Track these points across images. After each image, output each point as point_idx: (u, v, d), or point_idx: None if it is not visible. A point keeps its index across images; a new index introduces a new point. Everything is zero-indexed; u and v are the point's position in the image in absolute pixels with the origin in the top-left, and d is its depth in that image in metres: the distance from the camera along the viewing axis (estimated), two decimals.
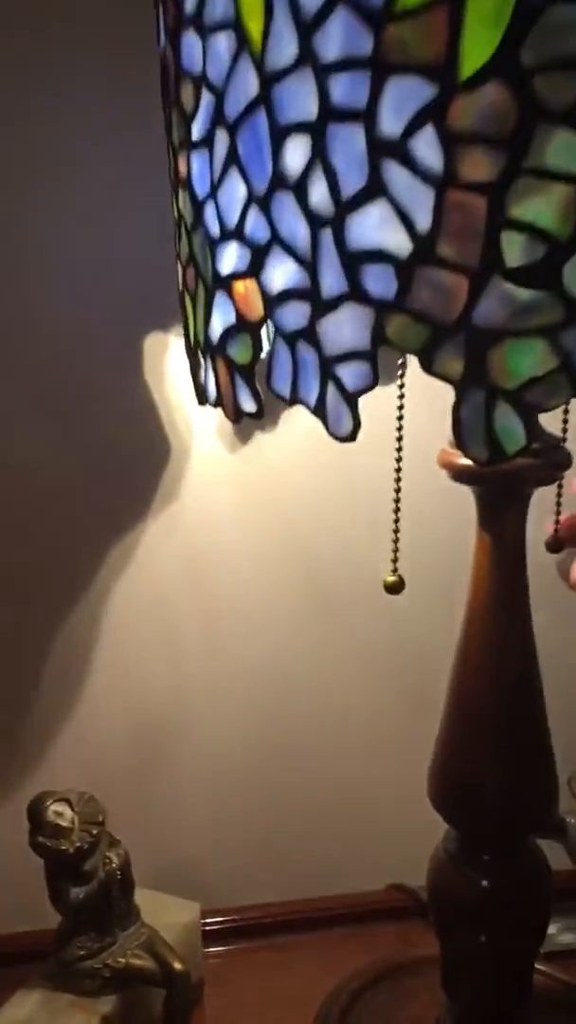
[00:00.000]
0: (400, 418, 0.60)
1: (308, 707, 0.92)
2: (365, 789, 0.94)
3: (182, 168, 0.53)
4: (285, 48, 0.44)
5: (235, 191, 0.49)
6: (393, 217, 0.44)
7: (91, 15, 0.75)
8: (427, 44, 0.41)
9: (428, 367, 0.46)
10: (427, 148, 0.43)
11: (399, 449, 0.61)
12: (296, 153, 0.46)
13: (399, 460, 0.61)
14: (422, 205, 0.43)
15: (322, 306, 0.47)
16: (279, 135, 0.46)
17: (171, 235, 0.61)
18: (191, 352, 0.59)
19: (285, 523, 0.87)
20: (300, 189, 0.46)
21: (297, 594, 0.89)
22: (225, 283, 0.51)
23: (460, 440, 0.47)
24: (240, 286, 0.50)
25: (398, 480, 0.61)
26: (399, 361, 0.58)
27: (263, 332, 0.52)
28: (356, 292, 0.46)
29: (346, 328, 0.47)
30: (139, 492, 0.85)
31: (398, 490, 0.62)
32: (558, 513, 0.67)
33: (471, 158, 0.42)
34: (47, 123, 0.77)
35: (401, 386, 0.60)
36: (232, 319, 0.52)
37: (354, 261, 0.46)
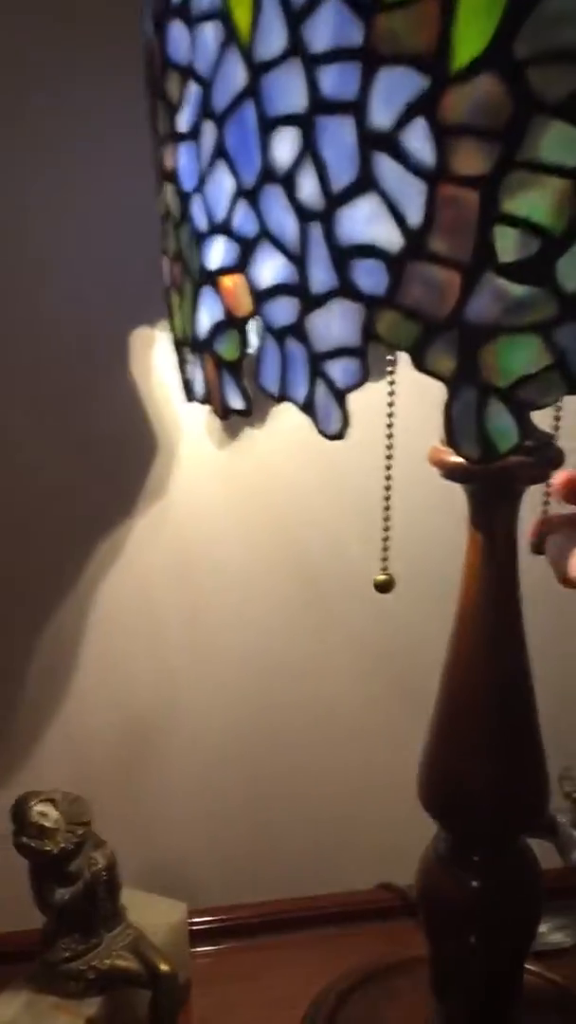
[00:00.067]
0: (390, 415, 0.59)
1: (298, 701, 0.91)
2: (355, 785, 0.94)
3: (168, 161, 0.52)
4: (274, 38, 0.43)
5: (223, 184, 0.48)
6: (384, 211, 0.43)
7: (91, 15, 0.75)
8: (418, 35, 0.41)
9: (419, 364, 0.45)
10: (419, 141, 0.42)
11: (389, 447, 0.60)
12: (285, 146, 0.45)
13: (389, 458, 0.60)
14: (413, 199, 0.43)
15: (311, 302, 0.46)
16: (268, 127, 0.45)
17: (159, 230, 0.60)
18: (178, 348, 0.58)
19: (274, 517, 0.87)
20: (289, 182, 0.45)
21: (287, 588, 0.88)
22: (212, 278, 0.50)
23: (451, 438, 0.46)
24: (228, 281, 0.50)
25: (388, 478, 0.61)
26: (389, 357, 0.57)
27: (251, 328, 0.51)
28: (346, 287, 0.45)
29: (336, 324, 0.46)
30: (127, 487, 0.84)
31: (388, 487, 0.61)
32: (544, 513, 0.66)
33: (464, 151, 0.41)
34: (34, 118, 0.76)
35: (391, 382, 0.59)
36: (220, 315, 0.51)
37: (344, 256, 0.45)
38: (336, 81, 0.43)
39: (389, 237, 0.43)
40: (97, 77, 0.76)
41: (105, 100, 0.76)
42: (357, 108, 0.42)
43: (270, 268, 0.47)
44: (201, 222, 0.50)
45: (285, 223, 0.46)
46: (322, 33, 0.42)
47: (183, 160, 0.51)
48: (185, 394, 0.58)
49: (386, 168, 0.43)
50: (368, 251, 0.44)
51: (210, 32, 0.46)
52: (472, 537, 0.63)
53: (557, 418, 0.64)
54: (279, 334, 0.48)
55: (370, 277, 0.44)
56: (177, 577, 0.87)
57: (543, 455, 0.59)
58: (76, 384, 0.82)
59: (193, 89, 0.48)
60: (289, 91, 0.44)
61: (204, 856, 0.93)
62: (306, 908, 0.90)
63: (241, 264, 0.49)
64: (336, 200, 0.44)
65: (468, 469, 0.59)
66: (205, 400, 0.55)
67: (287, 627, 0.90)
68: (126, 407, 0.82)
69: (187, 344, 0.55)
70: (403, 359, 0.47)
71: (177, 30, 0.49)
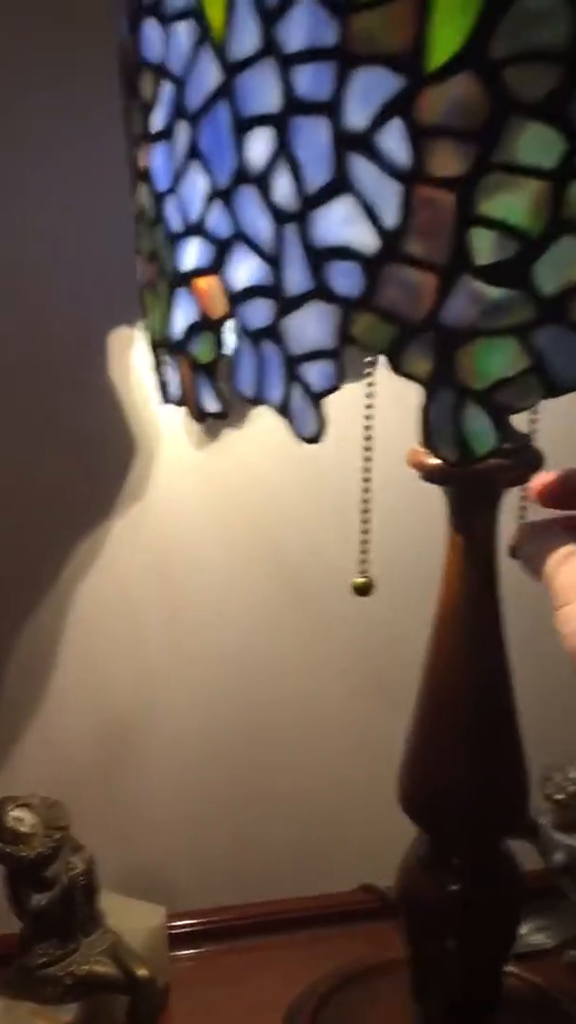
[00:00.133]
0: (368, 416, 0.59)
1: (278, 701, 0.91)
2: (336, 786, 0.93)
3: (142, 161, 0.52)
4: (247, 38, 0.43)
5: (197, 185, 0.47)
6: (360, 213, 0.43)
7: (91, 15, 0.74)
8: (394, 34, 0.40)
9: (396, 367, 0.45)
10: (394, 142, 0.41)
11: (367, 448, 0.59)
12: (259, 146, 0.44)
13: (368, 460, 0.60)
14: (389, 201, 0.42)
15: (287, 304, 0.46)
16: (242, 127, 0.45)
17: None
18: (154, 349, 0.57)
19: (253, 516, 0.86)
20: (264, 183, 0.45)
21: (266, 587, 0.88)
22: (187, 279, 0.50)
23: (428, 441, 0.46)
24: (202, 283, 0.49)
25: (366, 480, 0.60)
26: (367, 359, 0.57)
27: (228, 329, 0.50)
28: (321, 290, 0.45)
29: (311, 326, 0.45)
30: (106, 488, 0.84)
31: (366, 490, 0.61)
32: (522, 516, 0.66)
33: (440, 152, 0.41)
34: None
35: (370, 383, 0.59)
36: (194, 317, 0.50)
37: (319, 258, 0.44)
38: (311, 81, 0.42)
39: (365, 239, 0.43)
40: (97, 77, 0.75)
41: (105, 100, 0.75)
42: (332, 109, 0.42)
43: (245, 269, 0.47)
44: (175, 223, 0.50)
45: (260, 224, 0.45)
46: (296, 32, 0.42)
47: (157, 160, 0.50)
48: (161, 396, 0.58)
49: (362, 169, 0.42)
50: (344, 253, 0.44)
51: (184, 31, 0.46)
52: (451, 539, 0.63)
53: (534, 420, 0.63)
54: (254, 336, 0.48)
55: (346, 279, 0.44)
56: (156, 577, 0.86)
57: (521, 457, 0.59)
58: (54, 384, 0.81)
59: (167, 88, 0.48)
60: (263, 91, 0.43)
61: (184, 859, 0.92)
62: (287, 910, 0.90)
63: (216, 265, 0.48)
64: (311, 201, 0.44)
65: (446, 471, 0.58)
66: (181, 402, 0.55)
67: (267, 627, 0.89)
68: (105, 408, 0.82)
69: (163, 345, 0.55)
70: (382, 360, 0.46)
71: (151, 28, 0.48)
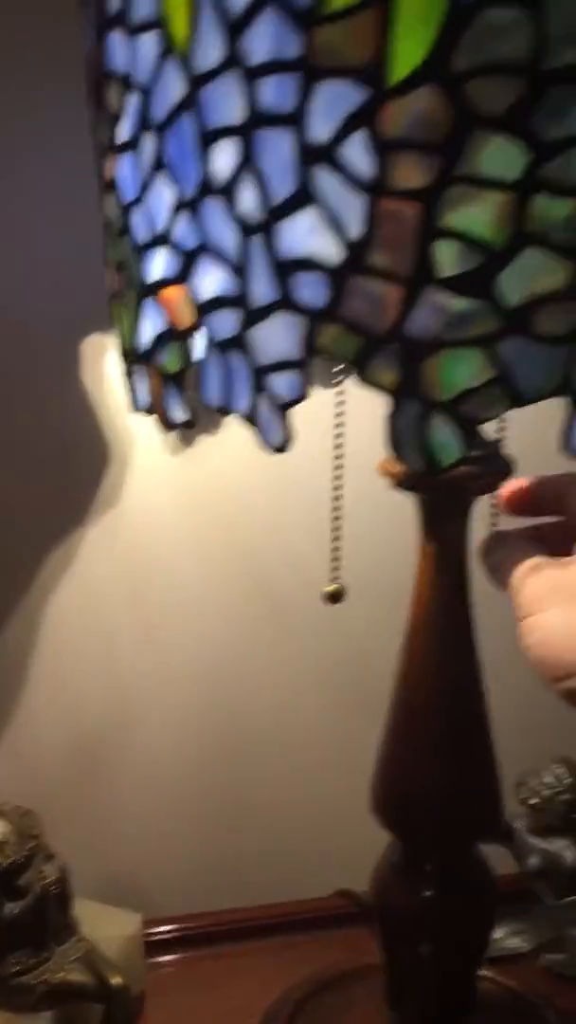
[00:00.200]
0: (339, 424, 0.59)
1: (252, 711, 0.91)
2: (311, 793, 0.93)
3: (108, 171, 0.52)
4: (211, 49, 0.43)
5: (163, 196, 0.48)
6: (324, 225, 0.43)
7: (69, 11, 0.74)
8: (357, 48, 0.40)
9: (362, 377, 0.45)
10: (358, 154, 0.42)
11: (338, 456, 0.60)
12: (224, 158, 0.44)
13: (339, 468, 0.60)
14: (353, 213, 0.42)
15: (253, 315, 0.46)
16: (207, 139, 0.45)
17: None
18: (124, 358, 0.57)
19: (228, 526, 0.86)
20: (229, 195, 0.45)
21: (241, 598, 0.88)
22: (154, 290, 0.50)
23: (395, 451, 0.46)
24: (169, 293, 0.49)
25: (337, 488, 0.60)
26: (336, 369, 0.57)
27: (195, 340, 0.50)
28: (287, 301, 0.45)
29: (277, 337, 0.46)
30: (78, 497, 0.83)
31: (337, 498, 0.61)
32: (493, 524, 0.66)
33: (403, 165, 0.41)
34: None
35: (340, 392, 0.59)
36: (162, 327, 0.50)
37: (285, 269, 0.44)
38: (275, 93, 0.42)
39: (329, 250, 0.43)
40: (68, 84, 0.75)
41: (78, 108, 0.75)
42: (296, 121, 0.42)
43: (211, 280, 0.47)
44: (142, 233, 0.50)
45: (225, 235, 0.46)
46: (260, 45, 0.42)
47: (124, 170, 0.50)
48: (131, 404, 0.58)
49: (326, 181, 0.42)
50: (309, 264, 0.44)
51: (148, 42, 0.46)
52: (423, 547, 0.63)
53: (503, 428, 0.63)
54: (221, 347, 0.48)
55: (311, 290, 0.44)
56: (130, 588, 0.86)
57: (492, 465, 0.59)
58: (26, 391, 0.81)
59: (133, 99, 0.48)
60: (228, 103, 0.43)
61: (160, 868, 0.92)
62: (263, 916, 0.89)
63: (182, 276, 0.48)
64: (276, 213, 0.44)
65: (416, 480, 0.59)
66: (150, 411, 0.55)
67: (242, 641, 0.89)
68: (78, 415, 0.82)
69: (131, 355, 0.55)
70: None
71: (116, 39, 0.48)
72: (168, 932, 0.88)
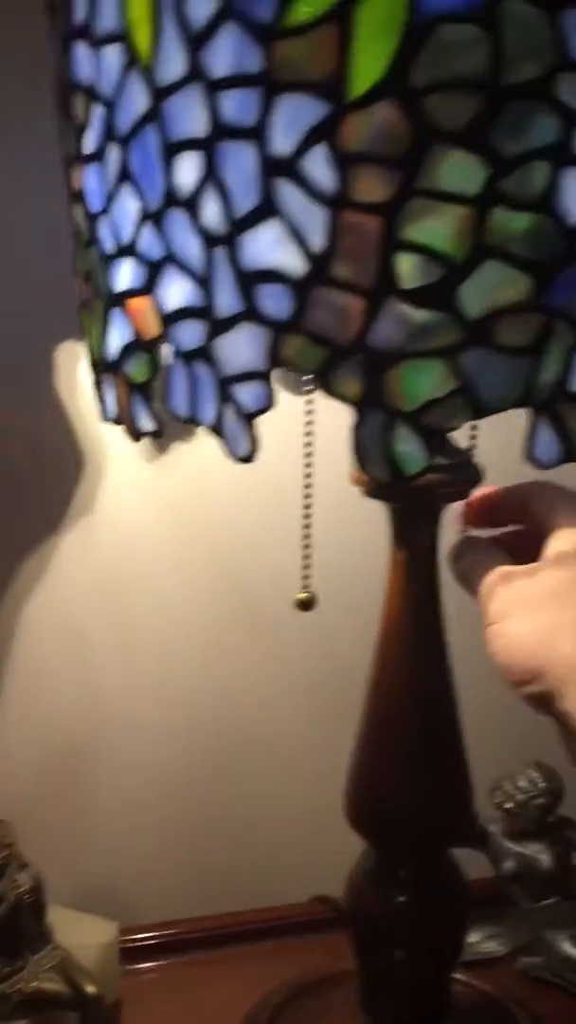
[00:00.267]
0: (308, 433, 0.59)
1: (229, 723, 0.90)
2: (287, 800, 0.93)
3: (75, 182, 0.52)
4: (174, 63, 0.43)
5: (128, 207, 0.48)
6: (287, 237, 0.43)
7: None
8: (317, 62, 0.41)
9: (326, 388, 0.46)
10: (320, 168, 0.42)
11: (308, 465, 0.60)
12: (188, 170, 0.45)
13: (308, 476, 0.60)
14: (316, 225, 0.43)
15: (218, 325, 0.46)
16: (170, 151, 0.45)
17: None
18: (93, 367, 0.57)
19: (203, 533, 0.86)
20: (193, 206, 0.45)
21: (217, 607, 0.88)
22: (120, 300, 0.50)
23: (360, 461, 0.47)
24: (135, 304, 0.49)
25: (308, 496, 0.60)
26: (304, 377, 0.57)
27: (165, 348, 0.50)
28: (251, 312, 0.45)
29: (242, 348, 0.46)
30: (53, 505, 0.83)
31: (308, 506, 0.61)
32: (463, 530, 0.66)
33: (364, 178, 0.42)
34: None
35: (309, 400, 0.59)
36: (129, 337, 0.50)
37: (249, 280, 0.45)
38: (237, 107, 0.42)
39: (293, 262, 0.44)
40: (35, 93, 0.75)
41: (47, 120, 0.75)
42: (258, 134, 0.42)
43: (176, 291, 0.47)
44: (108, 244, 0.50)
45: (190, 247, 0.46)
46: (222, 58, 0.42)
47: (90, 181, 0.50)
48: (101, 414, 0.58)
49: (288, 194, 0.43)
50: (272, 276, 0.44)
51: (112, 54, 0.46)
52: (394, 555, 0.63)
53: (473, 436, 0.64)
54: (187, 357, 0.48)
55: (275, 302, 0.44)
56: (104, 599, 0.86)
57: (461, 473, 0.59)
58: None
59: (98, 111, 0.48)
60: (190, 115, 0.44)
61: (136, 876, 0.92)
62: (241, 922, 0.89)
63: (148, 287, 0.48)
64: (239, 225, 0.44)
65: (385, 488, 0.59)
66: (118, 421, 0.55)
67: (219, 652, 0.89)
68: (51, 423, 0.81)
69: (100, 364, 0.55)
70: None
71: (82, 51, 0.48)
72: (146, 939, 0.87)
